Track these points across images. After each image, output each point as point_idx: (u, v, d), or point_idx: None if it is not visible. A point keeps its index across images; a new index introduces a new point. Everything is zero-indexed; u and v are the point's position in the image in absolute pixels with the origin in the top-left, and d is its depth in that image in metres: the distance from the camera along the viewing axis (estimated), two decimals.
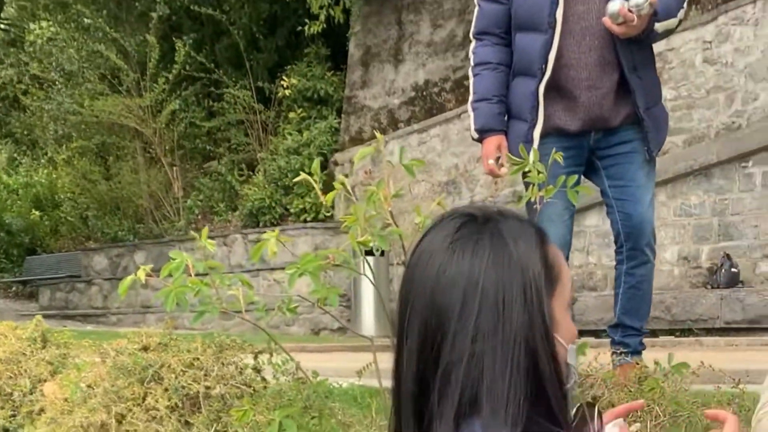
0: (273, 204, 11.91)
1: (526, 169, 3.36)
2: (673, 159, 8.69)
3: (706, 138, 8.81)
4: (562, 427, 1.30)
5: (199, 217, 13.18)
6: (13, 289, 18.57)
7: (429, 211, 2.85)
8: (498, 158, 4.06)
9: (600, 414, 1.54)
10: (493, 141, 4.08)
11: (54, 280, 15.60)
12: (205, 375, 3.94)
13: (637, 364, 3.57)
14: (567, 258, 4.26)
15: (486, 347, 1.26)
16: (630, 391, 3.07)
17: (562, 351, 1.34)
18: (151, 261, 13.11)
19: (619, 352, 3.95)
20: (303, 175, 2.82)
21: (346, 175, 11.75)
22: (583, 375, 3.21)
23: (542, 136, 4.03)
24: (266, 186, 12.18)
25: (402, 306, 1.34)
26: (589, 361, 3.27)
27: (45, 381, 4.73)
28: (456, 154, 10.87)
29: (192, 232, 2.92)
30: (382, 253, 10.20)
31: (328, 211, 11.73)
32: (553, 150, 3.73)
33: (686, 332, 8.14)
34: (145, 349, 4.19)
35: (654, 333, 8.04)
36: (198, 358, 4.03)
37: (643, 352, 4.12)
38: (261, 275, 11.19)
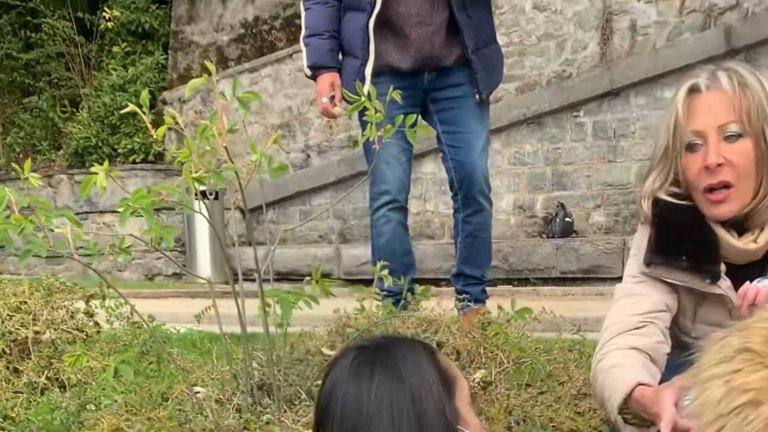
0: (99, 143, 11.49)
1: (362, 109, 3.30)
2: (507, 106, 8.83)
3: (538, 86, 8.99)
4: None
5: (21, 155, 12.49)
6: None
7: (265, 149, 2.74)
8: (332, 97, 3.98)
9: None
10: (326, 78, 4.00)
11: None
12: (34, 320, 3.79)
13: (479, 311, 3.59)
14: (406, 203, 4.23)
15: None
16: (474, 338, 3.08)
17: None
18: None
19: (461, 299, 3.96)
20: (131, 106, 2.63)
21: (174, 116, 11.50)
22: (426, 321, 3.21)
23: (375, 74, 3.96)
24: (91, 124, 11.64)
25: (317, 427, 1.48)
26: (432, 306, 3.27)
27: None
28: (289, 96, 10.67)
29: (14, 165, 2.69)
30: (216, 197, 10.03)
31: (158, 153, 11.41)
32: (391, 89, 3.68)
33: (524, 282, 8.31)
34: None
35: (492, 282, 8.23)
36: (25, 302, 3.88)
37: (488, 300, 4.16)
38: (90, 218, 10.76)
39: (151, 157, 11.37)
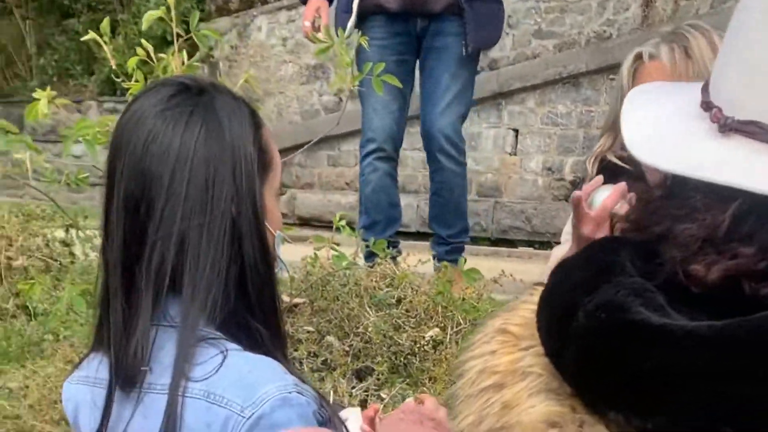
0: (132, 72, 11.42)
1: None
2: (544, 64, 8.68)
3: (577, 45, 8.84)
4: (264, 319, 1.29)
5: (54, 79, 12.47)
6: None
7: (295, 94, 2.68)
8: (317, 23, 3.91)
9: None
10: (314, 3, 3.95)
11: None
12: (9, 245, 3.80)
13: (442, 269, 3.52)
14: (395, 152, 4.12)
15: (192, 225, 1.22)
16: (427, 294, 3.07)
17: (271, 238, 1.34)
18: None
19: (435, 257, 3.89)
20: (91, 33, 2.58)
21: (211, 48, 11.38)
22: (387, 275, 3.20)
23: (368, 16, 3.93)
24: (126, 51, 11.60)
25: (110, 165, 1.28)
26: (413, 262, 3.28)
27: None
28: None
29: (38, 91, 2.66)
30: None
31: None
32: (384, 34, 3.61)
33: (545, 245, 8.18)
34: None
35: (513, 243, 8.14)
36: (3, 227, 3.90)
37: (487, 260, 4.06)
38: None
39: None
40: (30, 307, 3.52)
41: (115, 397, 1.27)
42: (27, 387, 2.95)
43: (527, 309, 1.00)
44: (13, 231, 3.86)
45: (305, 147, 3.69)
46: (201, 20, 11.78)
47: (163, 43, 11.93)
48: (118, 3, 12.60)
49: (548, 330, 0.93)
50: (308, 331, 2.91)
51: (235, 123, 1.28)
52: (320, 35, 3.85)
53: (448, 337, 2.94)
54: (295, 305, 3.00)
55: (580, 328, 0.86)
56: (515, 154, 8.53)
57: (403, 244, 4.40)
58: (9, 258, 3.72)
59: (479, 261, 4.74)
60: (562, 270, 0.98)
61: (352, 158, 9.58)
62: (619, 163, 2.23)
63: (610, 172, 2.19)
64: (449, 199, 4.06)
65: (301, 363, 2.78)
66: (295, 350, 2.82)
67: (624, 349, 0.82)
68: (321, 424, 1.23)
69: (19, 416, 2.83)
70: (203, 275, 1.22)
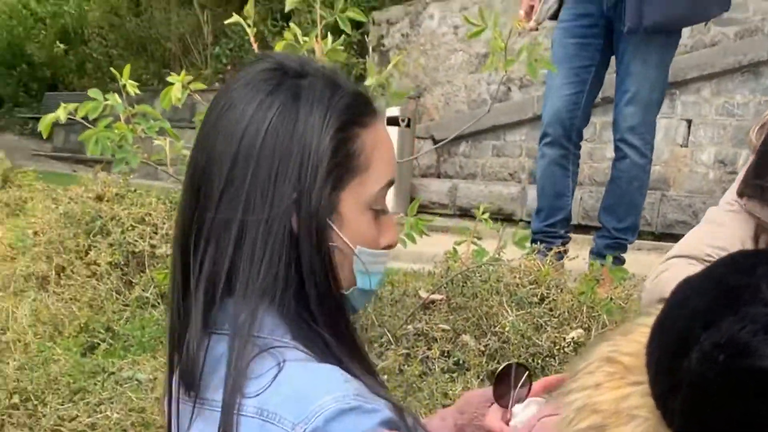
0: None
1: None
2: (722, 52, 8.28)
3: (759, 32, 8.39)
4: (330, 326, 1.15)
5: (228, 67, 12.90)
6: (30, 126, 18.07)
7: (463, 84, 2.65)
8: (531, 8, 3.85)
9: (530, 379, 1.40)
10: None
11: (71, 120, 15.23)
12: (154, 232, 3.80)
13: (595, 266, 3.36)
14: (566, 139, 3.98)
15: (251, 220, 1.10)
16: (572, 293, 2.90)
17: (347, 251, 1.17)
18: (171, 109, 12.86)
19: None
20: (235, 16, 2.60)
21: (382, 36, 11.48)
22: (530, 271, 3.07)
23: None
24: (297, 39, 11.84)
25: (197, 139, 1.18)
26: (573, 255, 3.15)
27: (0, 223, 4.57)
28: (498, 25, 10.40)
29: (113, 70, 2.70)
30: (408, 124, 10.03)
31: (360, 74, 11.50)
32: (570, 16, 3.49)
33: None
34: (100, 198, 4.05)
35: (677, 238, 7.81)
36: (150, 214, 3.89)
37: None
38: None
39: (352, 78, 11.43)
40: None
41: (179, 406, 1.19)
42: (155, 379, 2.97)
43: (643, 333, 0.86)
44: (159, 218, 3.86)
45: (465, 129, 3.65)
46: (374, 8, 11.94)
47: (334, 32, 12.14)
48: None
49: (658, 365, 0.79)
50: (443, 330, 2.82)
51: (316, 114, 1.13)
52: (532, 23, 3.81)
53: (592, 338, 2.78)
54: (432, 302, 2.93)
55: (693, 372, 0.72)
56: (686, 146, 8.20)
57: None
58: (153, 246, 3.72)
59: (640, 256, 4.54)
60: (683, 289, 0.83)
61: (517, 149, 9.47)
62: None
63: None
64: (626, 190, 3.91)
65: (432, 363, 2.71)
66: (429, 349, 2.74)
67: (745, 405, 0.68)
68: None
69: (144, 409, 2.84)
70: (258, 278, 1.10)
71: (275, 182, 1.10)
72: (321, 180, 1.12)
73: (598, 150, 8.59)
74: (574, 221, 7.87)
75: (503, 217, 9.19)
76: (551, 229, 3.91)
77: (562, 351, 2.77)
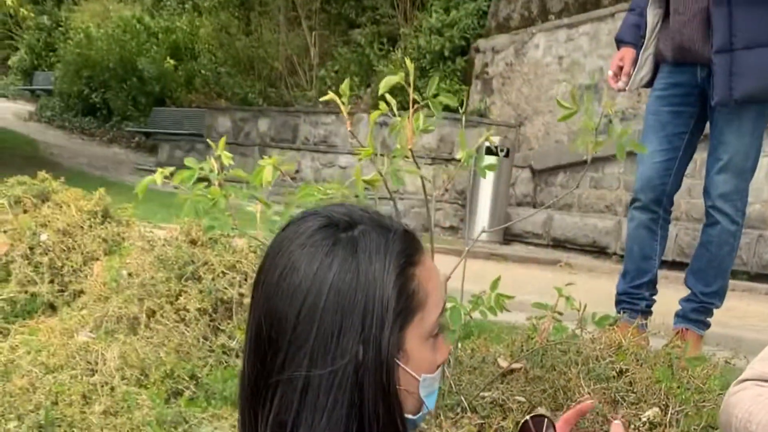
0: (405, 86, 11.74)
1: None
2: None
3: None
4: None
5: (332, 89, 13.08)
6: (136, 139, 18.54)
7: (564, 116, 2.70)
8: (622, 70, 3.92)
9: (552, 425, 1.47)
10: (620, 53, 3.96)
11: (176, 136, 15.44)
12: (244, 280, 3.82)
13: (679, 336, 3.35)
14: (655, 204, 3.97)
15: (313, 374, 1.15)
16: (651, 368, 2.87)
17: (412, 382, 1.22)
18: (273, 129, 13.20)
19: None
20: (330, 94, 2.70)
21: (486, 64, 11.55)
22: (611, 344, 3.05)
23: (660, 67, 3.88)
24: (402, 65, 11.95)
25: (254, 286, 1.25)
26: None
27: (97, 259, 4.60)
28: (603, 57, 10.25)
29: (210, 142, 2.82)
30: (507, 154, 10.06)
31: (461, 100, 11.57)
32: (663, 85, 3.55)
33: None
34: (194, 242, 4.12)
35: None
36: (240, 261, 3.93)
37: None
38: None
39: (454, 105, 11.46)
40: None
41: None
42: None
43: None
44: (249, 266, 3.90)
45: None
46: (480, 35, 12.02)
47: (439, 58, 12.26)
48: (402, 16, 13.03)
49: None
50: (519, 402, 2.78)
51: (375, 264, 1.17)
52: (620, 84, 3.89)
53: (669, 417, 2.71)
54: (512, 371, 2.94)
55: None
56: None
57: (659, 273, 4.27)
58: (241, 294, 3.77)
59: (733, 302, 4.49)
60: None
61: (615, 181, 9.40)
62: None
63: None
64: (715, 255, 3.89)
65: None
66: (503, 419, 2.71)
67: None
68: None
69: None
70: (320, 425, 1.14)
71: (338, 337, 1.15)
72: (389, 326, 1.16)
73: (696, 186, 8.46)
74: (668, 258, 7.79)
75: (597, 250, 9.13)
76: (636, 290, 3.96)
77: (636, 431, 2.72)
